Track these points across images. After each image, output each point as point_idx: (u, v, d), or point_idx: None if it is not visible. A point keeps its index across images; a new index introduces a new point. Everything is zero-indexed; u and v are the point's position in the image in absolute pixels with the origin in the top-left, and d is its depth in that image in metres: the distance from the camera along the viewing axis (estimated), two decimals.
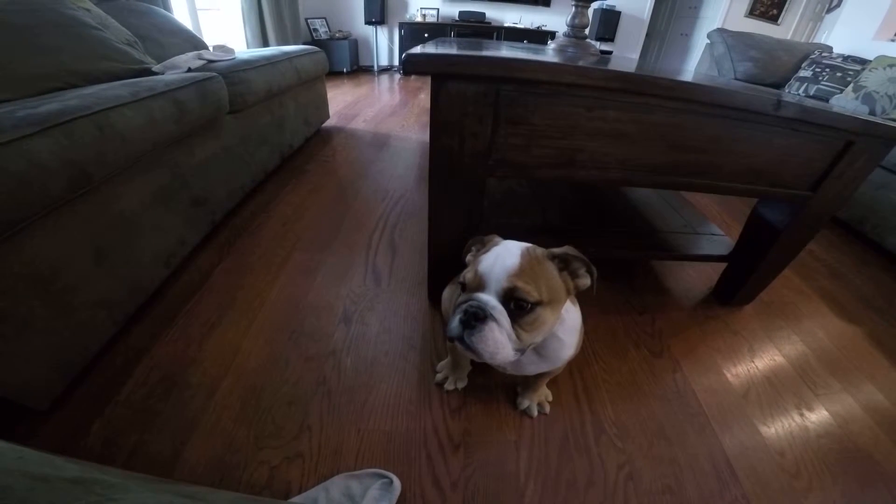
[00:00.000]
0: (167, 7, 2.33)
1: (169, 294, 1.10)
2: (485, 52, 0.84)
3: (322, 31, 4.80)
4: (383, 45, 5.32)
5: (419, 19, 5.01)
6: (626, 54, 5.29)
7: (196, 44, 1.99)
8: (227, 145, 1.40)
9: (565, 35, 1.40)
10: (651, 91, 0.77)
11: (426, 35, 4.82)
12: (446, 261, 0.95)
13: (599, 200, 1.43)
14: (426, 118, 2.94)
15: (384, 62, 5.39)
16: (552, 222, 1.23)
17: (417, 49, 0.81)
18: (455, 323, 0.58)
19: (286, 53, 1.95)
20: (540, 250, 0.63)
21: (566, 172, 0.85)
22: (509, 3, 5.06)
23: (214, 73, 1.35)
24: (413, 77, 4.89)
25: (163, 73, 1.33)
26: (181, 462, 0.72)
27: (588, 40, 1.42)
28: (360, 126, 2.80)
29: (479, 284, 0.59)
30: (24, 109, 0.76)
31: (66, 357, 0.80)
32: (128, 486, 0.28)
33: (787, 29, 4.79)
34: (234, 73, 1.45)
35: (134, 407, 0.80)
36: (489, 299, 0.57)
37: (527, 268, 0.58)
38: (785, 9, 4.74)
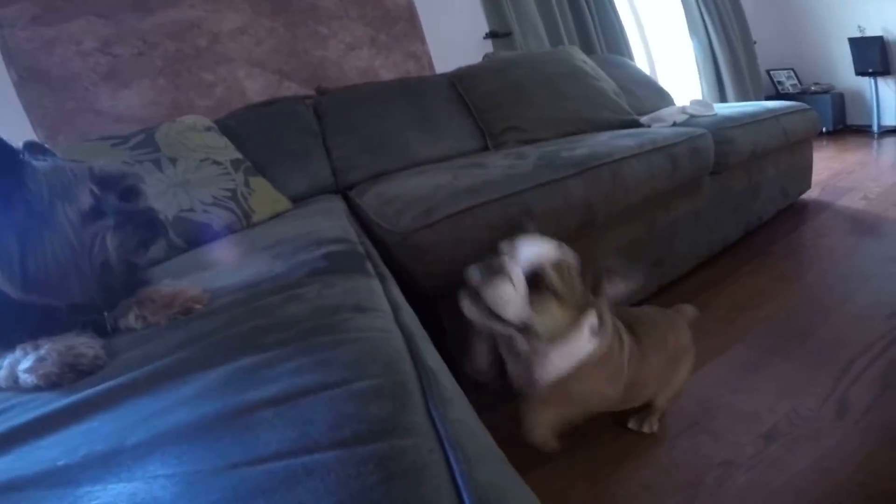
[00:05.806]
0: (631, 59, 2.48)
1: None
2: None
3: (789, 84, 4.02)
4: (888, 99, 3.89)
5: None
6: None
7: (664, 96, 2.00)
8: (698, 208, 1.28)
9: None
10: None
11: None
12: None
13: None
14: None
15: (889, 122, 3.93)
16: None
17: None
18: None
19: (770, 110, 1.65)
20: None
21: None
22: None
23: (703, 130, 1.24)
24: None
25: (649, 126, 1.35)
26: None
27: None
28: (858, 205, 2.01)
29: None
30: (563, 151, 0.86)
31: None
32: None
33: None
34: (719, 131, 1.31)
35: None
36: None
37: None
38: None
